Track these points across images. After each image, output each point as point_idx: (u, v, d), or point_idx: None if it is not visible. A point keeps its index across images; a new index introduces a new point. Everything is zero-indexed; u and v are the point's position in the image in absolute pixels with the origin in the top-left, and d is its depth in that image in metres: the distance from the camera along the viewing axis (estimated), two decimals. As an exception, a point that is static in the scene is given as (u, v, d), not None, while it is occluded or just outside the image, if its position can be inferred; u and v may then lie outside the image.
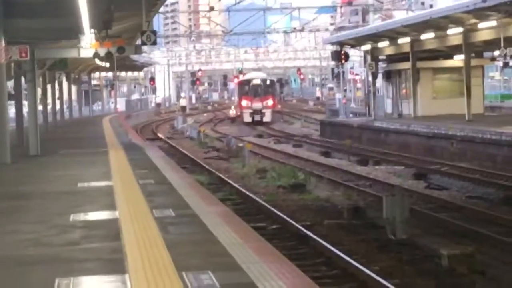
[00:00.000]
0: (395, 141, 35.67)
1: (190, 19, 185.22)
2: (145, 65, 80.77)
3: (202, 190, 15.00)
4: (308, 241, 14.98)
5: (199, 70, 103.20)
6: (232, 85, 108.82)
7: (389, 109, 44.71)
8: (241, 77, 75.89)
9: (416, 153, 32.09)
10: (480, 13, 30.14)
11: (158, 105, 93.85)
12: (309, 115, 69.29)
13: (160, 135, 50.21)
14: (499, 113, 47.95)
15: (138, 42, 28.17)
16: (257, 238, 9.82)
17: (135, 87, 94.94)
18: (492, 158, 26.84)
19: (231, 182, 24.22)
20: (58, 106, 48.76)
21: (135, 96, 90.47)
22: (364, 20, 57.75)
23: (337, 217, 18.09)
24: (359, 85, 78.01)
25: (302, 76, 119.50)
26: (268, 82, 67.00)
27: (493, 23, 31.28)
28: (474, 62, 37.65)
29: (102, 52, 24.89)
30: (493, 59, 43.02)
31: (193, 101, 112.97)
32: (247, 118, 63.05)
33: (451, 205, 19.59)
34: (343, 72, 56.97)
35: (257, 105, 63.16)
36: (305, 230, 15.67)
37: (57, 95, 48.46)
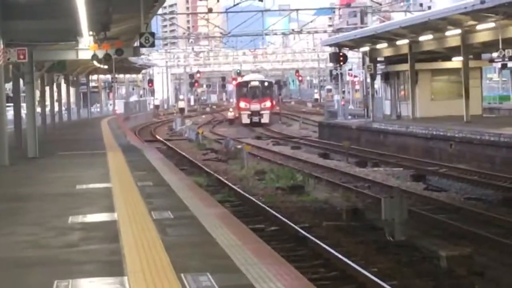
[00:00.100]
0: (394, 143, 35.68)
1: (188, 21, 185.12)
2: (144, 67, 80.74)
3: (201, 192, 15.00)
4: (306, 243, 14.98)
5: (198, 72, 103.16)
6: (231, 87, 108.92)
7: (387, 111, 44.71)
8: (239, 79, 76.08)
9: (414, 155, 32.10)
10: (478, 14, 30.15)
11: (156, 107, 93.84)
12: (308, 116, 69.33)
13: (158, 137, 50.20)
14: (497, 114, 48.04)
15: (137, 44, 28.20)
16: (256, 240, 9.82)
17: (133, 89, 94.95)
18: (490, 159, 26.85)
19: (229, 184, 24.22)
20: (56, 108, 48.74)
21: (134, 98, 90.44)
22: (362, 22, 57.69)
23: (336, 219, 18.08)
24: (357, 86, 78.13)
25: (300, 78, 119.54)
26: (266, 84, 67.45)
27: (491, 24, 31.29)
28: (472, 63, 37.67)
29: (100, 54, 24.90)
30: (492, 60, 43.07)
31: (192, 103, 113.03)
32: (245, 120, 63.39)
33: (450, 207, 19.60)
34: (342, 74, 57.03)
35: (255, 106, 63.58)
36: (303, 232, 15.66)
37: (55, 97, 48.45)
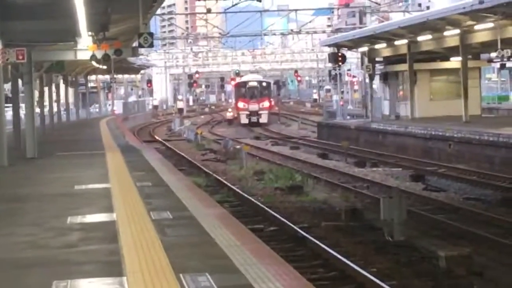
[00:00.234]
0: (393, 143, 35.68)
1: (187, 21, 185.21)
2: (142, 67, 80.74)
3: (200, 192, 14.99)
4: (305, 243, 14.97)
5: (196, 72, 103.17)
6: (229, 87, 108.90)
7: (386, 111, 44.72)
8: (238, 79, 76.25)
9: (413, 155, 32.10)
10: (477, 14, 30.15)
11: (155, 107, 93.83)
12: (306, 117, 69.33)
13: (157, 137, 50.18)
14: (496, 114, 48.04)
15: (135, 44, 28.19)
16: (255, 240, 9.82)
17: (132, 89, 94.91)
18: (489, 159, 26.86)
19: (228, 184, 24.21)
20: (55, 109, 48.72)
21: (132, 99, 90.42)
22: (361, 22, 57.74)
23: (335, 219, 18.08)
24: (356, 87, 78.11)
25: (299, 78, 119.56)
26: (264, 84, 67.83)
27: (490, 24, 31.29)
28: (471, 63, 37.67)
29: (99, 54, 24.87)
30: (490, 60, 43.06)
31: (190, 103, 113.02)
32: (244, 120, 63.69)
33: (449, 207, 19.60)
34: (340, 74, 57.05)
35: (254, 107, 63.95)
36: (302, 232, 15.66)
37: (54, 97, 48.44)
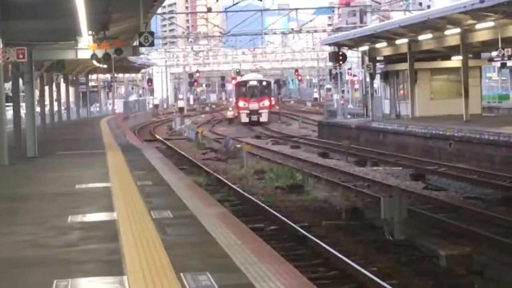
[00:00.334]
0: (393, 142, 35.68)
1: (187, 20, 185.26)
2: (143, 66, 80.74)
3: (200, 192, 15.00)
4: (306, 242, 14.98)
5: (197, 71, 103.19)
6: (230, 86, 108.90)
7: (387, 110, 44.73)
8: (238, 79, 76.44)
9: (414, 154, 32.10)
10: (478, 13, 30.15)
11: (156, 106, 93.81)
12: (307, 116, 69.35)
13: (158, 137, 50.19)
14: (497, 113, 48.02)
15: (136, 43, 28.19)
16: (255, 239, 9.82)
17: (132, 88, 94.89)
18: (490, 158, 26.85)
19: (229, 183, 24.21)
20: (55, 108, 48.72)
21: (133, 98, 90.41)
22: (361, 21, 57.71)
23: (335, 218, 18.08)
24: (356, 86, 78.10)
25: (299, 77, 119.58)
26: (264, 83, 68.25)
27: (491, 23, 31.29)
28: (471, 62, 37.67)
29: (99, 53, 24.88)
30: (491, 59, 43.05)
31: (191, 102, 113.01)
32: (244, 119, 64.04)
33: (449, 206, 19.60)
34: (341, 73, 57.05)
35: (254, 105, 64.34)
36: (303, 231, 15.66)
37: (54, 96, 48.44)
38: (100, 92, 77.61)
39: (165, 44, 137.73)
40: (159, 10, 47.68)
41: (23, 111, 31.76)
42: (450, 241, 15.19)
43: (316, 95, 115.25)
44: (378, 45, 42.61)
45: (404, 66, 41.04)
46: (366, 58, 44.96)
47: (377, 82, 50.69)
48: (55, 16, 21.39)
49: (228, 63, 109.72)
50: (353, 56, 70.84)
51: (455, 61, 38.83)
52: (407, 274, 12.67)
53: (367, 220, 17.62)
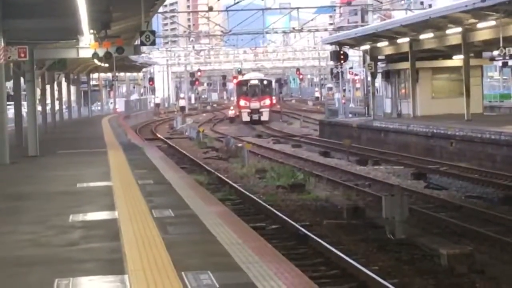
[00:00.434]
0: (394, 141, 35.67)
1: (189, 19, 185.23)
2: (144, 65, 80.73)
3: (202, 190, 15.00)
4: (307, 241, 14.98)
5: (198, 70, 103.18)
6: (231, 85, 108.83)
7: (388, 109, 44.72)
8: (240, 78, 76.59)
9: (415, 153, 32.09)
10: (479, 12, 30.13)
11: (157, 105, 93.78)
12: (308, 115, 69.36)
13: (159, 135, 50.19)
14: (498, 112, 47.96)
15: (137, 42, 28.19)
16: (257, 238, 9.82)
17: (134, 87, 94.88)
18: (491, 157, 26.84)
19: (230, 182, 24.22)
20: (57, 107, 48.72)
21: (134, 97, 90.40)
22: (363, 20, 57.64)
23: (337, 217, 18.08)
24: (358, 85, 78.00)
25: (301, 76, 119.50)
26: (265, 82, 68.56)
27: (492, 22, 31.27)
28: (473, 62, 37.64)
29: (101, 52, 24.86)
30: (492, 59, 43.04)
31: (192, 101, 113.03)
32: (245, 118, 64.27)
33: (450, 205, 19.59)
34: (342, 72, 56.94)
35: (255, 104, 64.60)
36: (304, 230, 15.66)
37: (56, 95, 48.43)
38: (101, 91, 77.58)
39: (167, 43, 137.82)
40: (161, 9, 47.65)
41: (24, 110, 31.76)
42: (451, 240, 15.20)
43: (317, 94, 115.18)
44: (379, 44, 42.59)
45: (406, 65, 41.03)
46: (368, 57, 44.95)
47: (379, 81, 50.67)
48: (57, 15, 21.40)
49: (230, 62, 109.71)
50: (355, 55, 70.84)
51: (457, 60, 38.82)
52: (408, 273, 12.67)
53: (368, 219, 17.63)
